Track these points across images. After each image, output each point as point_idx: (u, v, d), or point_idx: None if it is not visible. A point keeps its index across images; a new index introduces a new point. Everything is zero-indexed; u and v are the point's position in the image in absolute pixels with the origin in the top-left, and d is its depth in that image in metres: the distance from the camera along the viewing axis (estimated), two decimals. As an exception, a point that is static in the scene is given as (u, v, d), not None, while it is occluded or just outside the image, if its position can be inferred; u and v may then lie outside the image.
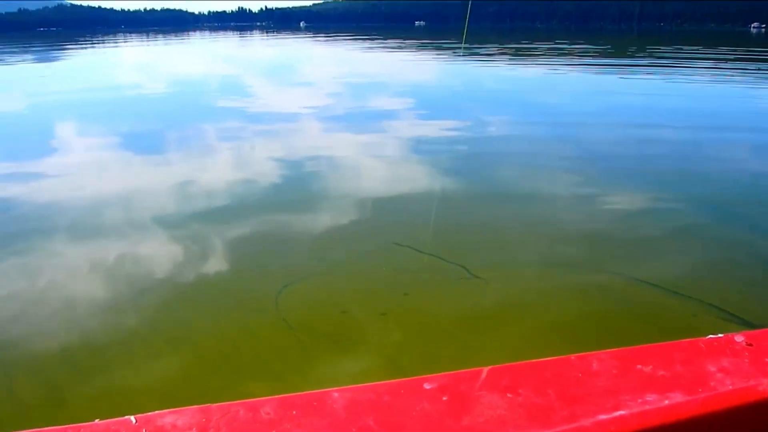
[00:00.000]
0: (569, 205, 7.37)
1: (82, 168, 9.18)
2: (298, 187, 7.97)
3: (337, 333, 4.29)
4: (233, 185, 7.98)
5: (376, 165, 9.14)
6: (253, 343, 4.18)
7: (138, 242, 5.99)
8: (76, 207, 7.22)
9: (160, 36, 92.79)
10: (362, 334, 4.27)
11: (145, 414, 1.86)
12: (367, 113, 14.19)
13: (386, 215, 6.89)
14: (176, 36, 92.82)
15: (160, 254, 5.64)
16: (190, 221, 6.55)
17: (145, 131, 12.04)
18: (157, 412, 1.90)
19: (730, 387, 2.04)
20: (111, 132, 11.97)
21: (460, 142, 10.75)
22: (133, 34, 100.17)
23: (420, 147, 10.26)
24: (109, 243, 5.99)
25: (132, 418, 1.80)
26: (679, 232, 6.44)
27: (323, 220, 6.58)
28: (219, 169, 8.90)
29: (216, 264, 5.43)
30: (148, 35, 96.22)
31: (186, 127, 12.53)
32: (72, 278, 5.27)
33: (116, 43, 66.57)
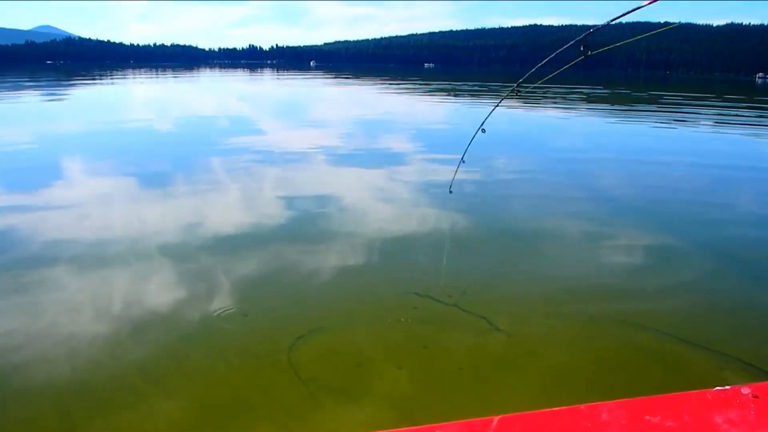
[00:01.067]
0: (581, 249, 7.50)
1: (89, 205, 9.07)
2: (311, 229, 7.83)
3: (351, 387, 4.10)
4: (245, 226, 7.88)
5: (391, 208, 9.04)
6: (264, 398, 4.00)
7: (146, 287, 5.83)
8: (82, 242, 7.12)
9: (170, 72, 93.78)
10: (379, 389, 4.09)
11: None
12: (384, 154, 14.28)
13: (400, 260, 6.75)
14: (186, 72, 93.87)
15: (168, 299, 5.50)
16: (200, 263, 6.43)
17: (155, 169, 11.98)
18: None
19: (737, 438, 2.07)
20: (120, 170, 11.92)
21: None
22: (142, 70, 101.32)
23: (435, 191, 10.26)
24: (116, 283, 5.87)
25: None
26: (690, 279, 6.53)
27: (337, 265, 6.45)
28: (230, 210, 8.80)
29: (227, 312, 5.25)
30: (157, 71, 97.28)
31: (196, 165, 12.45)
32: (74, 316, 5.13)
33: (125, 78, 67.23)
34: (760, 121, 26.50)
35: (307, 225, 8.03)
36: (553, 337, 4.97)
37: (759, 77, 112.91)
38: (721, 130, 22.13)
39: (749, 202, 10.55)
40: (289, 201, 9.23)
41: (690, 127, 23.22)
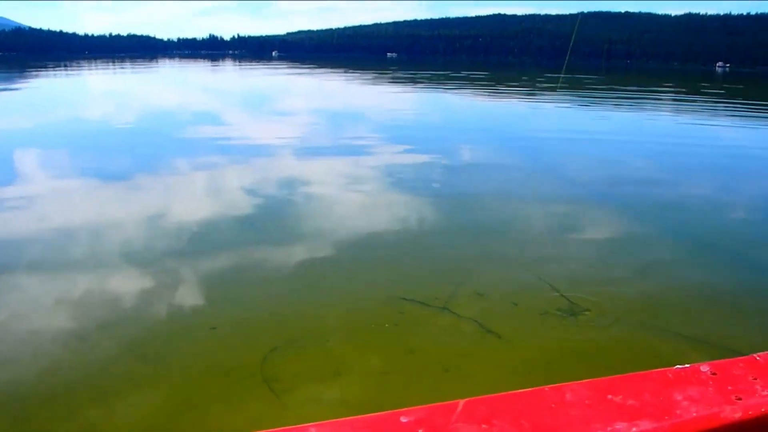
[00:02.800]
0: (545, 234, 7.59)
1: (43, 202, 8.72)
2: (283, 229, 7.58)
3: (329, 399, 3.86)
4: (210, 225, 7.59)
5: (362, 201, 8.90)
6: (234, 416, 3.66)
7: (99, 299, 5.43)
8: (39, 240, 6.85)
9: (128, 63, 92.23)
10: (359, 399, 3.85)
11: None
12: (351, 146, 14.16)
13: (379, 259, 6.55)
14: (145, 63, 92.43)
15: (124, 313, 5.10)
16: (162, 269, 6.09)
17: (113, 165, 11.56)
18: None
19: (695, 414, 2.10)
20: (77, 165, 11.60)
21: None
22: (98, 61, 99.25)
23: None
24: (68, 294, 5.49)
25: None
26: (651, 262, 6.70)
27: (313, 268, 6.19)
28: (194, 209, 8.47)
29: (193, 325, 4.90)
30: (114, 62, 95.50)
31: (157, 159, 12.12)
32: (34, 316, 4.90)
33: (80, 69, 65.76)
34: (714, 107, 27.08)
35: (279, 224, 7.79)
36: (522, 326, 4.96)
37: (719, 66, 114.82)
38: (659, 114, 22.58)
39: (715, 186, 10.87)
40: (258, 197, 8.98)
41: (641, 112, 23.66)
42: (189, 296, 5.42)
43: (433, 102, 28.50)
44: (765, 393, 2.19)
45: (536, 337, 4.80)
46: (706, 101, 32.10)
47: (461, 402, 2.13)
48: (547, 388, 2.23)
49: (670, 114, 24.58)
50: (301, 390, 3.95)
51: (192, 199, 9.02)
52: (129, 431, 3.60)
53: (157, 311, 5.10)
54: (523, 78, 51.02)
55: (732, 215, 8.97)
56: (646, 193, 10.03)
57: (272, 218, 8.00)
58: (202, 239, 7.05)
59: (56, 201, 8.86)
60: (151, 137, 15.43)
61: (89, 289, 5.56)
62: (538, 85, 40.97)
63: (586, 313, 5.11)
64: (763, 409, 2.09)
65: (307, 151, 13.16)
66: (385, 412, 2.09)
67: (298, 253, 6.58)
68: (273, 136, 15.27)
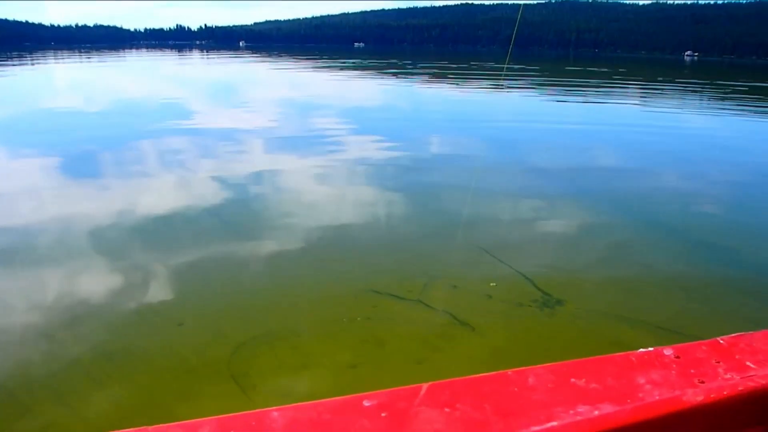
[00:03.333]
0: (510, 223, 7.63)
1: (5, 196, 8.52)
2: (253, 221, 7.46)
3: (298, 392, 3.80)
4: (177, 218, 7.45)
5: (332, 193, 8.81)
6: (200, 413, 3.57)
7: (62, 294, 5.33)
8: (6, 233, 6.70)
9: (95, 54, 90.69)
10: (328, 392, 3.79)
11: None
12: (320, 136, 14.01)
13: (348, 251, 6.45)
14: (112, 54, 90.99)
15: (86, 309, 4.98)
16: (128, 262, 5.96)
17: (80, 156, 11.37)
18: None
19: (657, 397, 2.12)
20: (43, 157, 11.31)
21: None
22: (64, 52, 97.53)
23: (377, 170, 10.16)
24: (36, 281, 5.41)
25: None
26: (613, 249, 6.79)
27: (282, 261, 6.11)
28: (161, 201, 8.32)
29: (158, 321, 4.77)
30: (81, 53, 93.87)
31: (125, 151, 11.88)
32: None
33: (46, 60, 64.54)
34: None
35: (248, 216, 7.66)
36: (496, 318, 4.91)
37: (687, 55, 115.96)
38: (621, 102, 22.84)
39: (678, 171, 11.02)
40: (226, 189, 8.85)
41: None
42: (155, 292, 5.31)
43: (398, 92, 28.47)
44: (728, 376, 2.21)
45: (510, 328, 4.79)
46: (676, 90, 32.47)
47: (424, 386, 2.13)
48: (510, 372, 2.24)
49: (636, 102, 24.80)
50: (269, 385, 3.89)
51: (158, 192, 8.86)
52: (90, 430, 3.52)
53: (123, 308, 4.99)
54: (486, 66, 51.17)
55: (699, 203, 9.07)
56: (613, 181, 10.13)
57: (241, 210, 7.88)
58: (169, 233, 6.92)
59: (18, 195, 8.65)
60: (117, 129, 15.09)
61: (52, 285, 5.43)
62: (502, 74, 41.13)
63: (561, 304, 5.11)
64: (725, 392, 2.11)
65: (275, 142, 13.05)
66: (349, 396, 2.08)
67: (268, 246, 6.50)
68: (240, 127, 15.12)
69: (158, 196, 8.58)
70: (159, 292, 5.31)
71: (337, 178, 9.75)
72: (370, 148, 12.45)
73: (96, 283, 5.50)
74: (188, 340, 4.53)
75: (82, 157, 11.32)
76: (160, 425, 1.87)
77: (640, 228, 7.60)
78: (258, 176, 9.73)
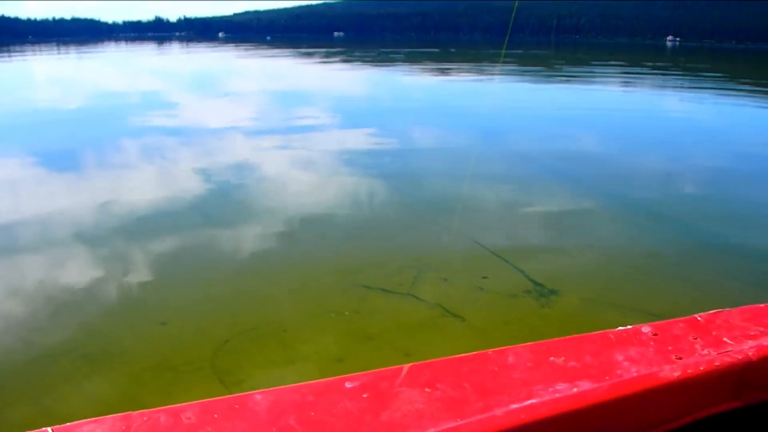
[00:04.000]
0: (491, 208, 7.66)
1: None
2: (236, 214, 7.36)
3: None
4: (158, 212, 7.39)
5: (317, 185, 8.77)
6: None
7: (46, 288, 5.27)
8: None
9: (73, 47, 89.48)
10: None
11: (63, 425, 1.72)
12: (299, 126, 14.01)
13: (335, 247, 6.33)
14: (91, 47, 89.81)
15: (62, 308, 4.89)
16: (107, 258, 5.89)
17: (60, 149, 11.29)
18: (75, 422, 1.73)
19: (635, 374, 2.16)
20: (22, 150, 11.20)
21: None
22: (42, 46, 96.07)
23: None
24: (10, 279, 5.39)
25: (49, 429, 1.76)
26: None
27: (268, 256, 6.07)
28: (141, 194, 8.23)
29: (139, 320, 4.69)
30: (59, 46, 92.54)
31: (105, 143, 11.78)
32: None
33: (24, 55, 63.60)
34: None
35: (230, 209, 7.58)
36: (489, 310, 4.88)
37: (669, 40, 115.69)
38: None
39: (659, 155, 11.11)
40: (208, 182, 8.79)
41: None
42: (136, 289, 5.23)
43: (380, 81, 28.41)
44: (705, 352, 2.25)
45: (503, 320, 4.77)
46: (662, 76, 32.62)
47: (405, 367, 2.17)
48: (490, 351, 2.28)
49: (620, 88, 24.91)
50: (253, 381, 3.83)
51: (135, 185, 8.81)
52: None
53: (102, 307, 4.90)
54: (470, 53, 51.13)
55: (678, 186, 9.17)
56: (594, 166, 10.21)
57: (223, 203, 7.83)
58: (149, 227, 6.86)
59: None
60: (97, 122, 15.05)
61: (27, 283, 5.36)
62: (484, 61, 41.09)
63: (556, 294, 5.08)
64: (702, 368, 2.16)
65: (257, 132, 13.03)
66: (331, 378, 2.11)
67: (252, 240, 6.44)
68: (221, 118, 15.08)
69: (136, 189, 8.54)
70: (139, 289, 5.23)
71: (321, 168, 9.74)
72: (354, 138, 12.46)
73: (74, 276, 5.46)
74: (170, 337, 4.45)
75: (59, 150, 11.24)
76: (144, 410, 1.88)
77: (632, 213, 7.63)
78: (241, 168, 9.70)
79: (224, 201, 7.93)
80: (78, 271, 5.59)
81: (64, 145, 11.69)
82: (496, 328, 4.61)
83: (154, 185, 8.74)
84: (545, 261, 5.85)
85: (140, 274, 5.51)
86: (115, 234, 6.57)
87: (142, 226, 6.88)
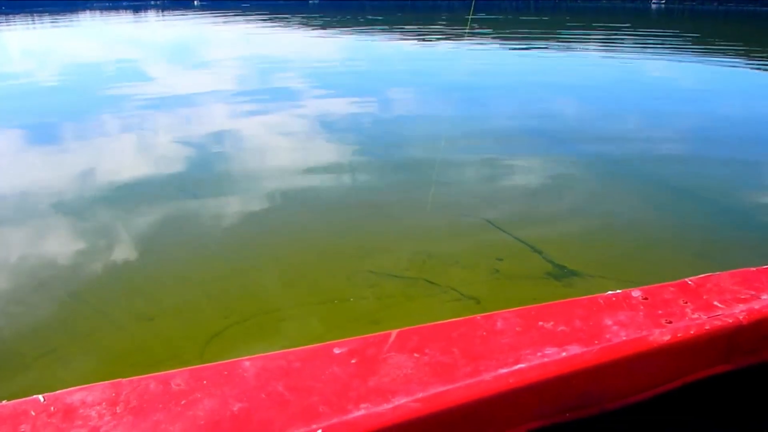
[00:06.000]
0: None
1: None
2: (225, 193, 7.05)
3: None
4: (140, 189, 7.17)
5: (313, 161, 8.41)
6: None
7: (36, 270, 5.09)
8: None
9: (47, 17, 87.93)
10: None
11: (53, 392, 1.77)
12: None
13: (335, 228, 6.04)
14: (65, 17, 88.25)
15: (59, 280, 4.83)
16: (86, 243, 5.68)
17: (36, 121, 11.02)
18: (66, 389, 1.83)
19: (624, 338, 2.16)
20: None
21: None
22: (16, 15, 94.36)
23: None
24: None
25: (40, 396, 1.75)
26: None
27: (254, 232, 5.90)
28: (122, 170, 7.94)
29: (124, 313, 4.41)
30: (33, 16, 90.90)
31: (83, 115, 11.57)
32: None
33: (-3, 25, 62.66)
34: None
35: (215, 188, 7.24)
36: (497, 289, 4.75)
37: (653, 3, 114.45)
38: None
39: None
40: (190, 154, 8.62)
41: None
42: (117, 281, 4.95)
43: (359, 48, 28.18)
44: (695, 316, 2.25)
45: (522, 304, 4.76)
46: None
47: (394, 332, 2.16)
48: (478, 316, 2.27)
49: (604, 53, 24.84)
50: None
51: (115, 157, 8.67)
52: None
53: (83, 302, 4.63)
54: (445, 20, 50.81)
55: (670, 149, 9.17)
56: (586, 136, 10.12)
57: (208, 181, 7.54)
58: (131, 202, 6.69)
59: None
60: (74, 93, 14.79)
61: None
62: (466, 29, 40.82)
63: (576, 275, 4.93)
64: (692, 332, 2.15)
65: (239, 102, 12.80)
66: (319, 344, 2.10)
67: (243, 221, 6.21)
68: (201, 87, 14.88)
69: (115, 162, 8.41)
70: (124, 280, 4.96)
71: (305, 135, 9.67)
72: (336, 104, 12.33)
73: (47, 255, 5.37)
74: (156, 331, 4.20)
75: (34, 123, 11.02)
76: (134, 377, 1.87)
77: (651, 187, 7.55)
78: (224, 137, 9.61)
79: (206, 173, 7.79)
80: (53, 248, 5.48)
81: (40, 118, 11.43)
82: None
83: (134, 156, 8.63)
84: (565, 241, 5.65)
85: (122, 255, 5.35)
86: (92, 207, 6.47)
87: (124, 199, 6.75)
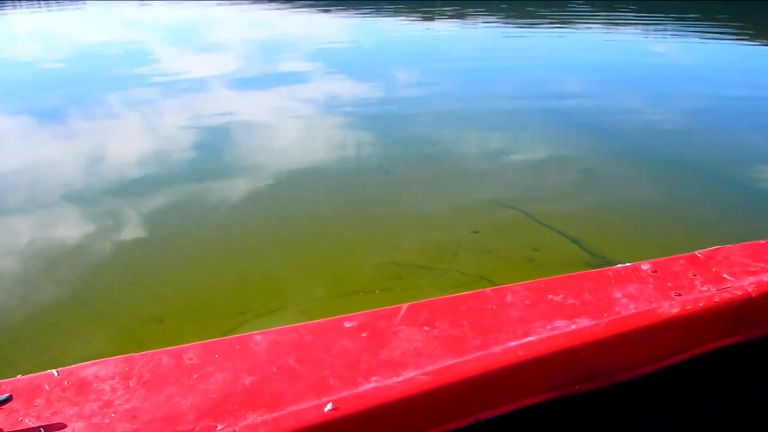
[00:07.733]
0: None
1: None
2: (241, 182, 6.86)
3: None
4: (149, 179, 7.08)
5: (332, 146, 8.32)
6: None
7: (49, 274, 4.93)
8: None
9: (53, 1, 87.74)
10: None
11: (67, 367, 1.80)
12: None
13: (359, 220, 5.90)
14: (71, 1, 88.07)
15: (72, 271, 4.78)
16: (98, 212, 5.81)
17: (43, 106, 11.03)
18: (79, 364, 1.84)
19: (633, 310, 2.16)
20: (5, 109, 11.02)
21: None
22: (23, 0, 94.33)
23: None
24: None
25: (54, 371, 1.76)
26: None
27: (275, 221, 5.78)
28: (131, 157, 7.86)
29: (137, 311, 4.32)
30: (38, 0, 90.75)
31: (90, 99, 11.52)
32: None
33: (4, 9, 62.43)
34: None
35: (228, 172, 7.16)
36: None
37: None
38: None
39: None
40: (205, 140, 8.56)
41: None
42: (127, 273, 4.91)
43: (361, 29, 28.00)
44: (704, 288, 2.24)
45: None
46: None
47: (404, 306, 2.18)
48: (488, 290, 2.28)
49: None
50: None
51: (122, 141, 8.68)
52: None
53: (89, 300, 4.59)
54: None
55: (670, 126, 9.10)
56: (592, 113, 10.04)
57: (221, 165, 7.49)
58: (143, 189, 6.65)
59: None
60: (81, 75, 14.77)
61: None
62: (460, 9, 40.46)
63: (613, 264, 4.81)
64: (701, 304, 2.15)
65: (245, 85, 12.81)
66: (330, 318, 2.12)
67: (263, 209, 6.10)
68: (207, 70, 14.80)
69: (122, 146, 8.43)
70: (135, 275, 4.89)
71: (313, 119, 9.63)
72: (339, 85, 12.26)
73: (53, 240, 5.38)
74: (169, 327, 4.11)
75: (41, 108, 11.02)
76: (147, 351, 1.89)
77: (609, 153, 7.55)
78: (232, 121, 9.60)
79: (221, 162, 7.68)
80: (60, 232, 5.48)
81: (47, 102, 11.44)
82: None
83: (142, 140, 8.63)
84: (602, 230, 5.60)
85: (126, 242, 5.32)
86: (100, 192, 6.48)
87: (137, 187, 6.69)
